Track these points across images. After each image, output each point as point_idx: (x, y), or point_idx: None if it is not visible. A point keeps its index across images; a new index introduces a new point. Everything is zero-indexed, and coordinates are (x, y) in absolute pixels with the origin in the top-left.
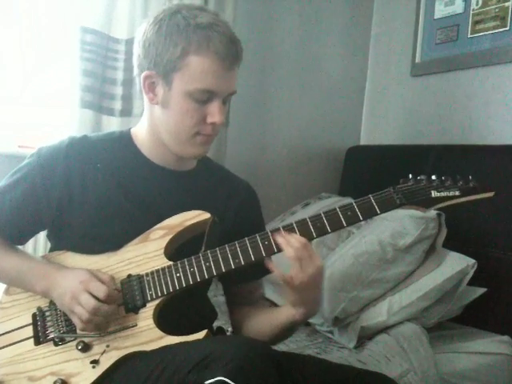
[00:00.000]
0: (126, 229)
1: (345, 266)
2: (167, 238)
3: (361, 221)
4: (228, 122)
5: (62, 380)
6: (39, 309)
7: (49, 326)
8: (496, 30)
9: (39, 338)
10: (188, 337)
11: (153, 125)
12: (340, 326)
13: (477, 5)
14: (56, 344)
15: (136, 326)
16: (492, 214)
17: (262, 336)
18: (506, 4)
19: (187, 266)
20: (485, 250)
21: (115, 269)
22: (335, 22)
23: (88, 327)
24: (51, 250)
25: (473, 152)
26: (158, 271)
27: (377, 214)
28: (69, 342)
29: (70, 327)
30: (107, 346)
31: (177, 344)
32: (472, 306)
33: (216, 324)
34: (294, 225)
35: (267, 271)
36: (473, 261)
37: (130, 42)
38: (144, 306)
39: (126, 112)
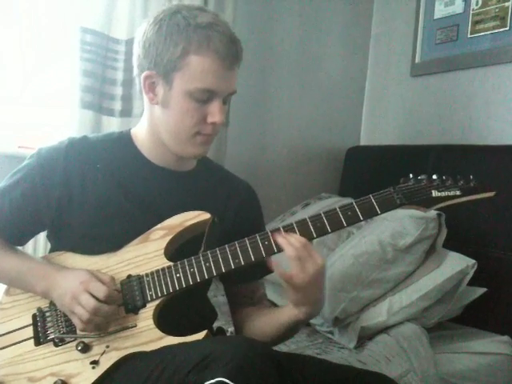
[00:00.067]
0: (125, 229)
1: (345, 267)
2: (167, 239)
3: (361, 221)
4: (228, 121)
5: (62, 381)
6: (39, 309)
7: (49, 327)
8: (496, 30)
9: (39, 339)
10: (188, 337)
11: (153, 125)
12: (340, 327)
13: (477, 5)
14: (56, 345)
15: (136, 326)
16: (492, 214)
17: (265, 336)
18: (506, 4)
19: (187, 267)
20: (485, 250)
21: (115, 269)
22: (335, 22)
23: (88, 328)
24: (51, 251)
25: (473, 152)
26: (157, 272)
27: (377, 214)
28: (69, 342)
29: (70, 328)
30: (107, 347)
31: (177, 344)
32: (472, 306)
33: (216, 324)
34: (294, 225)
35: (268, 271)
36: (473, 261)
37: (129, 43)
38: (144, 306)
39: (126, 112)
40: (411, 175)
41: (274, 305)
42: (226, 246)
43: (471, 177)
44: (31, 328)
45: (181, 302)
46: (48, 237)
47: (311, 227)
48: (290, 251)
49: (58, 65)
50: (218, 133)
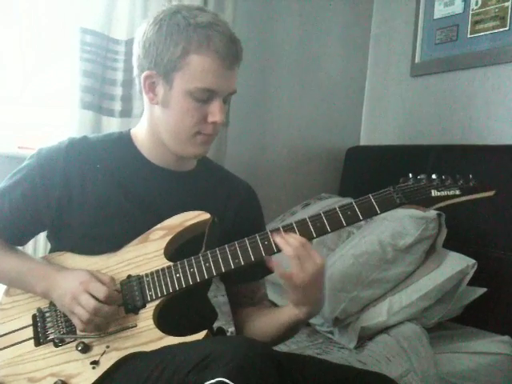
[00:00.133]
0: (125, 229)
1: (345, 267)
2: (167, 239)
3: (361, 220)
4: (228, 121)
5: (62, 381)
6: (39, 310)
7: (49, 327)
8: (495, 30)
9: (39, 339)
10: (188, 337)
11: (153, 125)
12: (340, 327)
13: (476, 5)
14: (56, 345)
15: (136, 326)
16: (492, 214)
17: (266, 336)
18: (506, 4)
19: (187, 267)
20: (485, 250)
21: (115, 269)
22: (335, 22)
23: (88, 328)
24: (51, 251)
25: (473, 152)
26: (157, 272)
27: (377, 214)
28: (69, 342)
29: (70, 328)
30: (107, 347)
31: (177, 344)
32: (472, 306)
33: (216, 324)
34: (294, 225)
35: (268, 271)
36: (473, 261)
37: (129, 43)
38: (144, 306)
39: (126, 113)
40: (411, 175)
41: (275, 305)
42: (226, 246)
43: (471, 176)
44: (31, 328)
45: (181, 302)
46: (48, 237)
47: (311, 227)
48: (288, 251)
49: (57, 65)
50: (218, 132)
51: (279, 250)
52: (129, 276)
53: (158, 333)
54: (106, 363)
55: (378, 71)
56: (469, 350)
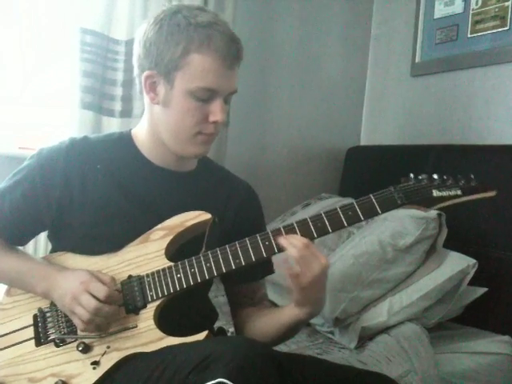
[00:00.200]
0: (126, 229)
1: (345, 267)
2: (168, 239)
3: (362, 221)
4: (228, 122)
5: (62, 381)
6: (40, 310)
7: (49, 327)
8: (496, 30)
9: (40, 339)
10: (188, 338)
11: (153, 125)
12: (341, 327)
13: (476, 5)
14: (57, 345)
15: (136, 327)
16: (492, 213)
17: (266, 337)
18: (506, 4)
19: (188, 267)
20: (485, 250)
21: (115, 269)
22: (335, 22)
23: (89, 328)
24: (52, 251)
25: (473, 152)
26: (158, 272)
27: (378, 214)
28: (69, 343)
29: (71, 328)
30: (108, 347)
31: (177, 345)
32: (472, 306)
33: (217, 325)
34: (295, 225)
35: (268, 271)
36: (473, 261)
37: (129, 43)
38: (144, 306)
39: (126, 113)
40: (412, 175)
41: (275, 305)
42: (227, 246)
43: (472, 176)
44: (32, 328)
45: (182, 303)
46: (49, 237)
47: (312, 227)
48: (293, 252)
49: (57, 65)
50: (218, 132)
51: (280, 250)
52: (129, 276)
53: (159, 333)
54: (107, 363)
55: (378, 71)
56: (469, 350)
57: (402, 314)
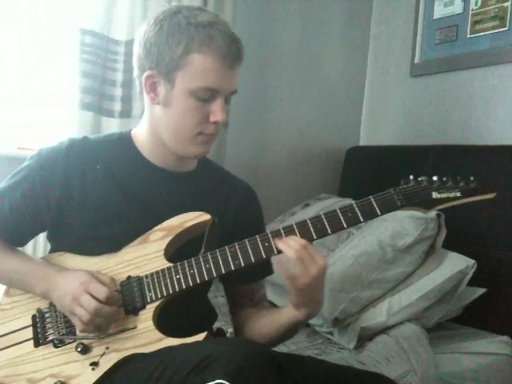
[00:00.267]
0: (125, 230)
1: (345, 267)
2: (167, 240)
3: (361, 222)
4: (227, 123)
5: (61, 382)
6: (39, 310)
7: (48, 328)
8: (495, 30)
9: (39, 340)
10: (188, 339)
11: (153, 125)
12: (340, 327)
13: (476, 5)
14: (56, 346)
15: (135, 327)
16: (492, 214)
17: (266, 337)
18: (505, 4)
19: (187, 268)
20: (485, 250)
21: (115, 270)
22: (335, 22)
23: (88, 329)
24: (51, 251)
25: (472, 152)
26: (157, 273)
27: (377, 216)
28: (68, 343)
29: (70, 329)
30: (107, 348)
31: (177, 345)
32: (472, 307)
33: (215, 325)
34: (294, 226)
35: (268, 272)
36: (472, 261)
37: (129, 44)
38: (144, 307)
39: (126, 113)
40: (411, 176)
41: (274, 305)
42: (226, 247)
43: (472, 178)
44: (31, 329)
45: (181, 303)
46: (48, 237)
47: (311, 228)
48: (290, 254)
49: (57, 65)
50: (219, 132)
51: (279, 252)
52: (129, 277)
53: (158, 334)
54: (106, 364)
55: (377, 71)
56: (468, 351)
57: (401, 314)
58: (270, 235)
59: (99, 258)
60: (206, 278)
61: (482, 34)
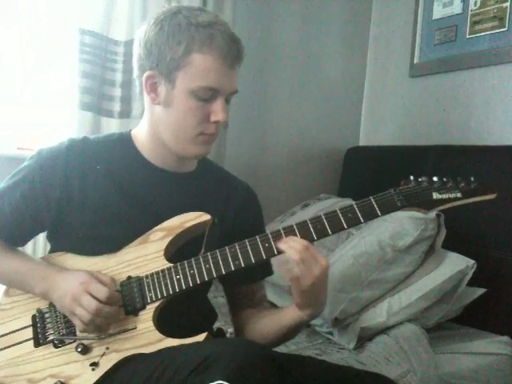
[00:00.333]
0: (125, 230)
1: (344, 267)
2: (167, 240)
3: (361, 223)
4: (227, 123)
5: (61, 382)
6: (39, 310)
7: (48, 328)
8: (494, 31)
9: (39, 340)
10: (188, 339)
11: (153, 126)
12: (340, 327)
13: (475, 5)
14: (56, 346)
15: (136, 328)
16: (492, 214)
17: (267, 338)
18: (505, 4)
19: (187, 268)
20: (485, 250)
21: (115, 270)
22: (334, 22)
23: (88, 329)
24: (51, 251)
25: (472, 152)
26: (157, 273)
27: (378, 216)
28: (68, 344)
29: (70, 329)
30: (107, 349)
31: (177, 346)
32: (472, 307)
33: (215, 325)
34: (295, 226)
35: (268, 272)
36: (472, 261)
37: (128, 44)
38: (144, 308)
39: (125, 114)
40: (412, 177)
41: (274, 306)
42: (226, 247)
43: (472, 179)
44: (31, 329)
45: (181, 303)
46: (48, 237)
47: (312, 229)
48: (292, 255)
49: (57, 65)
50: (219, 132)
51: (280, 252)
52: (129, 277)
53: (158, 335)
54: (106, 364)
55: (377, 72)
56: (468, 351)
57: (401, 314)
58: (270, 236)
59: (99, 258)
60: (206, 279)
61: (481, 34)
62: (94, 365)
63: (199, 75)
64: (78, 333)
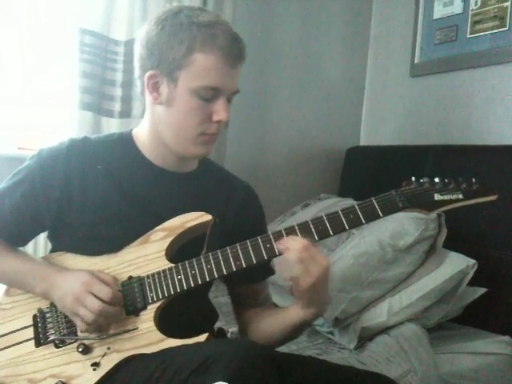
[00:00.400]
0: (126, 230)
1: (345, 267)
2: (168, 240)
3: (363, 224)
4: (228, 123)
5: (62, 382)
6: (40, 310)
7: (49, 328)
8: (495, 30)
9: (40, 340)
10: (189, 340)
11: (154, 125)
12: (340, 327)
13: (476, 5)
14: (56, 346)
15: (137, 328)
16: (492, 214)
17: (271, 337)
18: (505, 4)
19: (188, 269)
20: (485, 250)
21: (116, 270)
22: (335, 22)
23: (90, 329)
24: (52, 251)
25: (472, 152)
26: (158, 273)
27: (379, 217)
28: (69, 344)
29: (71, 329)
30: (108, 349)
31: (177, 346)
32: (472, 307)
33: (216, 325)
34: (296, 227)
35: (270, 272)
36: (473, 261)
37: (129, 44)
38: (145, 308)
39: (125, 113)
40: (413, 178)
41: (275, 305)
42: (228, 247)
43: (473, 180)
44: (31, 329)
45: (182, 303)
46: (48, 237)
47: (313, 230)
48: (291, 255)
49: (57, 65)
50: (220, 132)
51: (281, 253)
52: (130, 277)
53: (159, 335)
54: (107, 365)
55: (377, 71)
56: (469, 351)
57: (401, 314)
58: (271, 236)
59: (99, 258)
60: (208, 279)
61: (481, 34)
62: (95, 365)
63: (201, 75)
64: (79, 333)
